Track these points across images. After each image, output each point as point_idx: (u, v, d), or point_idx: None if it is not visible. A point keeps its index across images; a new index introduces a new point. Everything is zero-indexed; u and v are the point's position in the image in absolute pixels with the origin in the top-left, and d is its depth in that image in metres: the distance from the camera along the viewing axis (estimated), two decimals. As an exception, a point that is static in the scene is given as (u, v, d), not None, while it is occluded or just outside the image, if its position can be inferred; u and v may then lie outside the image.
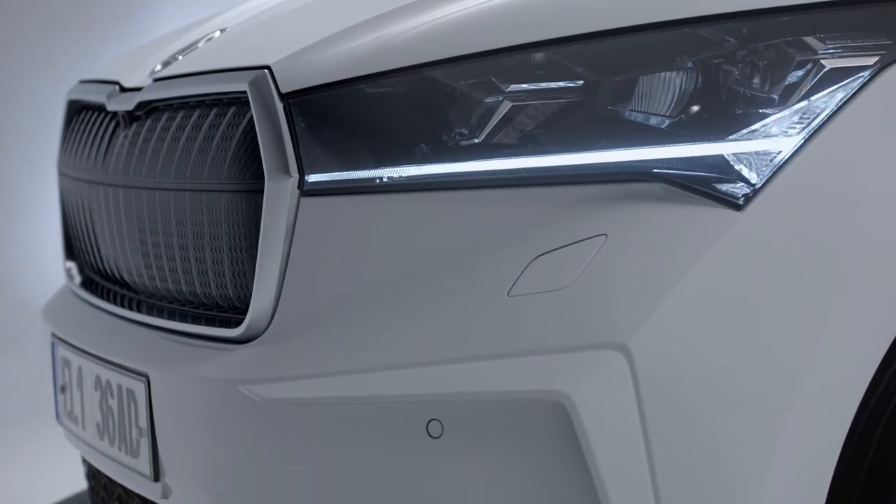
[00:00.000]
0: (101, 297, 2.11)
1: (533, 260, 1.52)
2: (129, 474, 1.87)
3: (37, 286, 5.34)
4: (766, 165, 1.52)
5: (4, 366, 5.23)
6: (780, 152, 1.52)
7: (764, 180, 1.51)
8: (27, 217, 6.18)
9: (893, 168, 1.54)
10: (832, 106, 1.53)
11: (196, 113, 1.82)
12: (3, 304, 5.86)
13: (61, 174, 2.30)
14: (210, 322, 1.78)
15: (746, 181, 1.51)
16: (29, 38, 6.20)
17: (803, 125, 1.53)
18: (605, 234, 1.51)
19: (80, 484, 3.11)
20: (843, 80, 1.54)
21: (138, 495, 2.04)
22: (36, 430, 4.20)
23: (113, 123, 2.07)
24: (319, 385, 1.56)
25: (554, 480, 1.49)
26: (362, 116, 1.62)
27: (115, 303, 2.04)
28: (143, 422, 1.79)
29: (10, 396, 4.78)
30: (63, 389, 2.11)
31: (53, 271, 4.58)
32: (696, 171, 1.52)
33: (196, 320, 1.81)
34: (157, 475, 1.79)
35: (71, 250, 2.34)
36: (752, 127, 1.53)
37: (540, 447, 1.49)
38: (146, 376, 1.77)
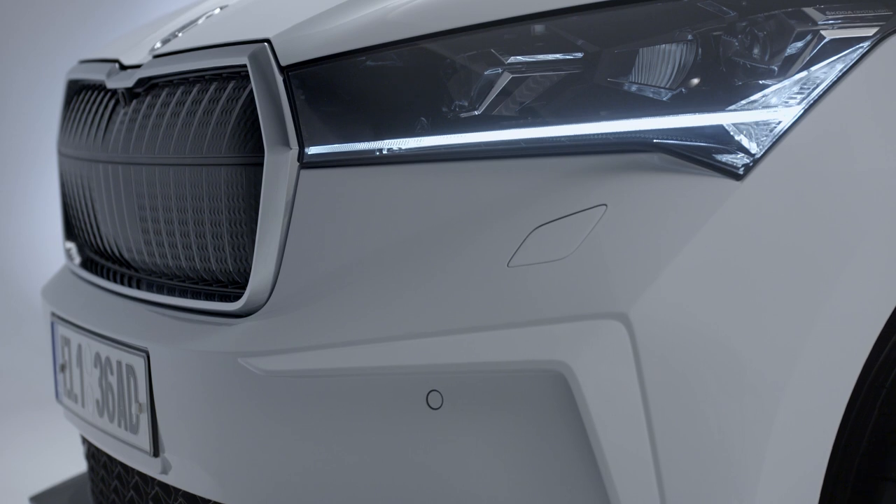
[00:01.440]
0: (101, 275, 2.10)
1: (533, 230, 1.52)
2: (129, 450, 1.86)
3: (37, 279, 5.37)
4: (766, 135, 1.52)
5: (4, 357, 5.25)
6: (779, 122, 1.52)
7: (764, 150, 1.51)
8: (27, 210, 6.18)
9: (893, 138, 1.54)
10: (832, 76, 1.53)
11: (195, 88, 1.82)
12: (3, 296, 5.88)
13: (61, 154, 2.30)
14: (210, 297, 1.78)
15: (746, 151, 1.51)
16: (27, 33, 6.21)
17: (803, 96, 1.53)
18: (605, 205, 1.51)
19: (79, 467, 3.11)
20: (842, 51, 1.54)
21: (138, 472, 2.04)
22: (35, 419, 4.23)
23: (113, 101, 2.06)
24: (319, 357, 1.56)
25: (554, 450, 1.49)
26: (362, 89, 1.62)
27: (114, 281, 2.04)
28: (143, 397, 1.79)
29: (11, 386, 4.80)
30: (63, 368, 2.11)
31: (54, 264, 4.59)
32: (696, 141, 1.51)
33: (196, 296, 1.81)
34: (156, 450, 1.79)
35: (70, 230, 2.34)
36: (752, 97, 1.52)
37: (540, 417, 1.49)
38: (146, 352, 1.77)
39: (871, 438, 1.58)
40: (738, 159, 1.51)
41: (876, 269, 1.52)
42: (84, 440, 2.36)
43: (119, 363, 1.86)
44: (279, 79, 1.64)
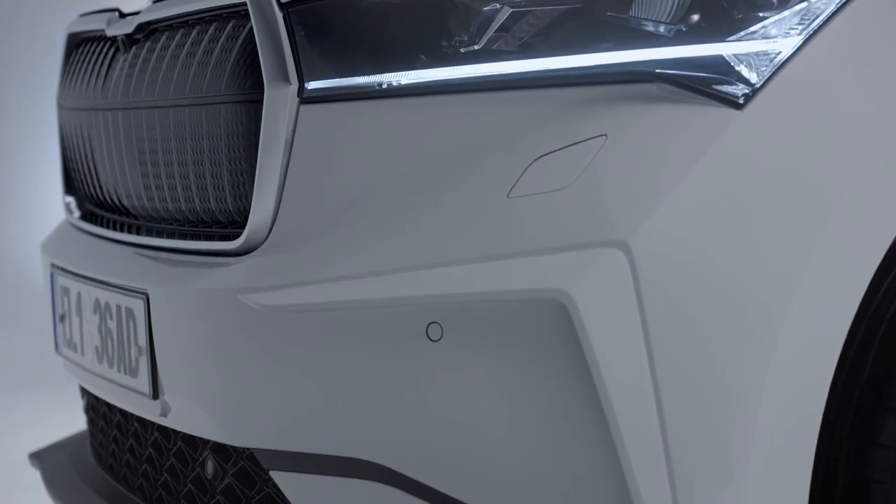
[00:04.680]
0: (100, 225, 2.10)
1: (533, 161, 1.51)
2: (128, 395, 1.86)
3: (38, 270, 5.39)
4: (766, 66, 1.52)
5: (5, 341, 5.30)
6: (779, 53, 1.52)
7: (763, 80, 1.51)
8: (26, 209, 6.18)
9: (891, 68, 1.54)
10: (832, 7, 1.53)
11: (195, 30, 1.82)
12: (4, 287, 5.90)
13: (60, 107, 2.30)
14: (209, 238, 1.78)
15: (746, 81, 1.51)
16: (25, 30, 6.22)
17: (803, 26, 1.53)
18: (605, 135, 1.50)
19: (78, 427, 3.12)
20: None
21: (137, 420, 2.04)
22: (35, 397, 4.28)
23: (112, 50, 2.06)
24: (319, 291, 1.56)
25: (555, 381, 1.49)
26: (362, 23, 1.62)
27: (113, 228, 2.04)
28: (143, 340, 1.79)
29: (11, 373, 4.86)
30: (62, 318, 2.10)
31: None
32: (695, 71, 1.51)
33: (195, 237, 1.81)
34: (155, 393, 1.78)
35: (70, 184, 2.34)
36: (752, 28, 1.52)
37: (540, 347, 1.48)
38: (145, 294, 1.77)
39: (871, 371, 1.58)
40: (738, 89, 1.51)
41: (874, 200, 1.52)
42: (83, 392, 2.35)
43: (118, 307, 1.85)
44: (279, 15, 1.64)
